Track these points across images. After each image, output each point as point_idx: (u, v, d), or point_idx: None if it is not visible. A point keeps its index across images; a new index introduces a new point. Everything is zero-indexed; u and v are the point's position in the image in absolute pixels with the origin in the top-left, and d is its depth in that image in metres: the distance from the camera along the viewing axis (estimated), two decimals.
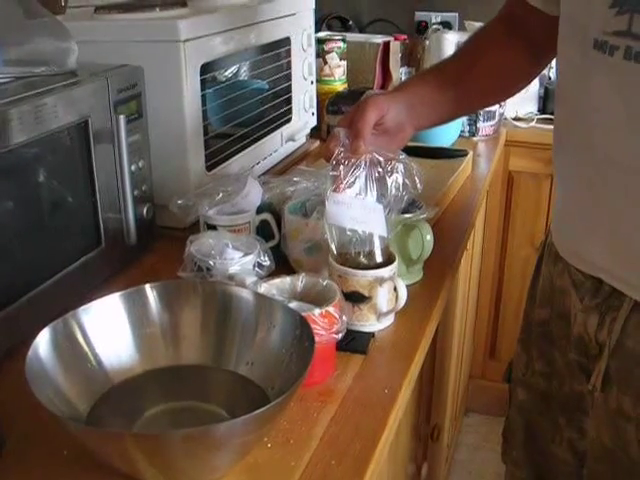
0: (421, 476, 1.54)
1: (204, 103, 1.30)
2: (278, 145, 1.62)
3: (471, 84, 1.12)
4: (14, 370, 0.76)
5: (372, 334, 1.00)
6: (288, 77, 1.64)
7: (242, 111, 1.46)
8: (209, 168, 1.33)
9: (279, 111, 1.62)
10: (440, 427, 1.73)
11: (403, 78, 2.17)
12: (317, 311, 0.86)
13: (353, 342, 0.97)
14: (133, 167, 1.13)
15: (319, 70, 1.97)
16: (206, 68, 1.29)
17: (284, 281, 0.94)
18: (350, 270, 0.98)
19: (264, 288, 0.91)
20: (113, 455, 0.70)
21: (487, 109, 1.98)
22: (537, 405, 1.12)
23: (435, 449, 1.77)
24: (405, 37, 2.24)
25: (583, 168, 0.92)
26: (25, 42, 1.07)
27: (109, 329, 0.83)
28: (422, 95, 1.08)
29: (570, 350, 1.02)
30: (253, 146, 1.50)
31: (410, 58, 2.21)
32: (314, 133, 1.84)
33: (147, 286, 0.86)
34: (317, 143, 1.82)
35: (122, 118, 1.07)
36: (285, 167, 1.61)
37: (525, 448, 1.17)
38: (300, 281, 0.94)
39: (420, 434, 1.53)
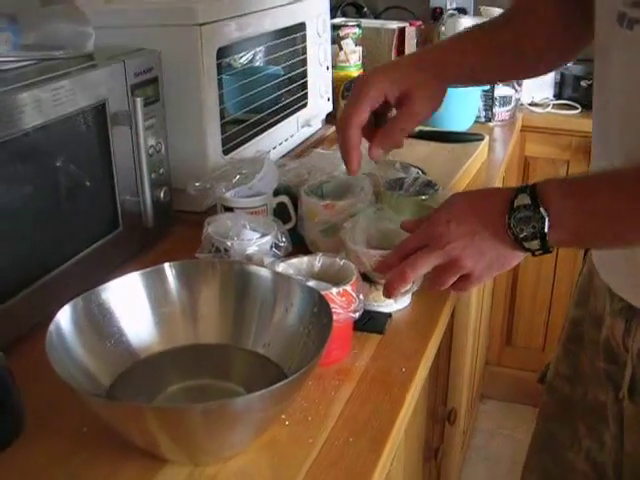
0: (437, 459, 1.54)
1: (220, 87, 1.30)
2: (294, 130, 1.62)
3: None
4: (35, 350, 0.77)
5: (389, 314, 1.00)
6: (304, 62, 1.64)
7: (258, 96, 1.46)
8: (225, 152, 1.34)
9: (295, 96, 1.62)
10: (456, 411, 1.73)
11: None
12: (335, 290, 0.86)
13: (370, 322, 0.97)
14: (150, 150, 1.14)
15: (335, 56, 1.96)
16: (222, 52, 1.29)
17: (302, 261, 0.94)
18: (367, 250, 0.98)
19: (282, 267, 0.92)
20: (133, 430, 0.71)
21: (503, 94, 1.97)
22: (558, 410, 1.06)
23: (451, 434, 1.77)
24: (420, 23, 2.23)
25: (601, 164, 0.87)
26: (42, 26, 1.08)
27: (129, 307, 0.83)
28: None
29: (599, 357, 0.96)
30: (269, 131, 1.50)
31: (426, 44, 2.20)
32: (330, 119, 1.84)
33: (166, 265, 0.87)
34: (332, 129, 1.81)
35: (139, 101, 1.07)
36: (301, 152, 1.61)
37: (540, 453, 1.11)
38: (317, 261, 0.94)
39: (437, 417, 1.53)
